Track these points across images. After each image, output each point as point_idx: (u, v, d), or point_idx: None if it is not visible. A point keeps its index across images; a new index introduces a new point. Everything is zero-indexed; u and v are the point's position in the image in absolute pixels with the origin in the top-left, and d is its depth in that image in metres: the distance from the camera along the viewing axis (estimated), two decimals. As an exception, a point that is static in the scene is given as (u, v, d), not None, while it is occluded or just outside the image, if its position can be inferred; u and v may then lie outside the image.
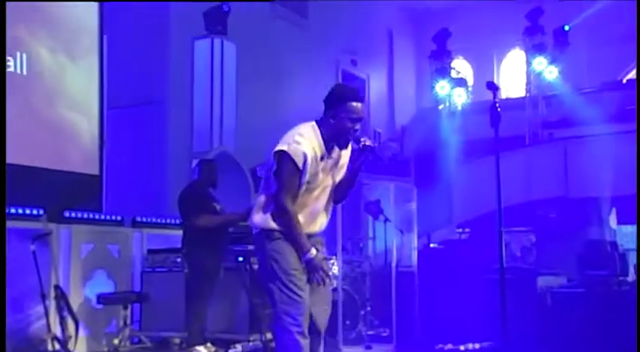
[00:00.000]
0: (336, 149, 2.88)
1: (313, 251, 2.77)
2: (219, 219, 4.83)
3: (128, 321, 5.28)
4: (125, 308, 5.32)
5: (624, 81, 11.90)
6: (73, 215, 5.62)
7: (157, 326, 5.56)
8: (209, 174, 4.99)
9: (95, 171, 6.20)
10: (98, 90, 6.32)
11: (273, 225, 2.82)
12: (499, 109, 2.70)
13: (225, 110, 7.73)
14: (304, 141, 2.76)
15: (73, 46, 6.07)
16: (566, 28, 10.76)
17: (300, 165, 2.73)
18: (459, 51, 12.84)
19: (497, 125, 2.73)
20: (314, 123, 2.86)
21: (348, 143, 2.86)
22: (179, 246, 5.07)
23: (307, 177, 2.77)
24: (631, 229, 11.09)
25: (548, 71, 10.65)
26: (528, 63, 11.09)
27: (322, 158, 2.81)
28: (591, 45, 12.13)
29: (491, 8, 12.33)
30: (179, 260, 5.36)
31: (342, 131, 2.80)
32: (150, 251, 5.88)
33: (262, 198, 2.89)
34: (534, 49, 10.71)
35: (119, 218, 6.09)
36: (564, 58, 10.84)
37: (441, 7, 12.82)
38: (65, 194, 5.70)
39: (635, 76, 12.29)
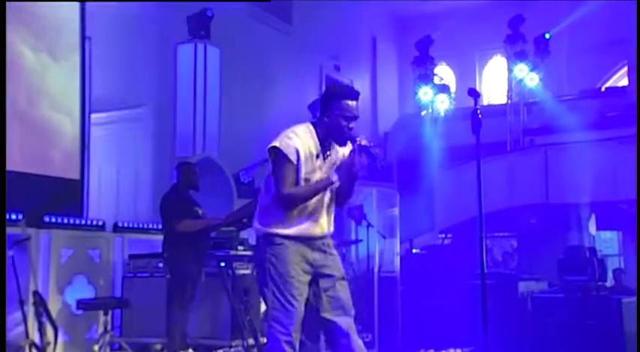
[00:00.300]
0: (336, 150, 2.85)
1: (331, 176, 2.76)
2: (201, 223, 4.80)
3: (108, 327, 5.21)
4: (105, 313, 5.24)
5: (603, 89, 12.08)
6: (53, 220, 5.56)
7: (137, 332, 5.50)
8: (188, 177, 4.96)
9: (76, 175, 6.14)
10: (80, 93, 6.26)
11: (274, 229, 2.79)
12: (480, 116, 2.72)
13: (209, 115, 7.72)
14: (296, 137, 2.76)
15: (56, 45, 6.02)
16: (547, 36, 10.91)
17: (292, 158, 2.72)
18: (442, 57, 12.95)
19: (479, 131, 2.75)
20: (309, 123, 2.85)
21: (345, 141, 2.81)
22: (161, 251, 5.04)
23: (303, 173, 2.75)
24: (610, 235, 11.26)
25: (529, 78, 10.78)
26: (510, 70, 11.21)
27: (318, 156, 2.79)
28: (571, 53, 12.32)
29: (474, 15, 12.47)
30: (161, 265, 5.32)
31: (337, 129, 2.77)
32: (131, 256, 5.83)
33: (263, 201, 2.85)
34: (515, 57, 10.84)
35: (100, 223, 6.03)
36: (545, 65, 10.98)
37: (423, 14, 12.93)
38: (45, 198, 5.64)
39: (613, 84, 12.49)
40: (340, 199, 2.93)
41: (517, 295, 6.33)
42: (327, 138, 2.80)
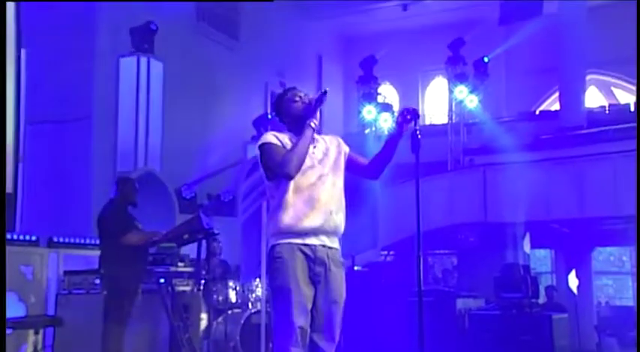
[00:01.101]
0: (322, 141, 2.88)
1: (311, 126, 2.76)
2: (145, 237, 4.72)
3: (39, 347, 5.02)
4: (36, 332, 5.05)
5: (537, 112, 12.59)
6: (-17, 234, 5.33)
7: (71, 351, 5.32)
8: (127, 192, 4.85)
9: (9, 188, 5.91)
10: (14, 102, 6.04)
11: (276, 236, 2.75)
12: (420, 136, 2.79)
13: (151, 129, 7.61)
14: (270, 133, 2.86)
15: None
16: (486, 59, 11.30)
17: (274, 141, 2.79)
18: (386, 77, 13.22)
19: (418, 151, 2.81)
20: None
21: (306, 114, 2.80)
22: (97, 266, 4.90)
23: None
24: (544, 253, 11.67)
25: (469, 100, 11.10)
26: (450, 91, 11.52)
27: None
28: (509, 77, 12.81)
29: (417, 37, 12.80)
30: (97, 281, 5.17)
31: (295, 113, 2.84)
32: (66, 272, 5.65)
33: (268, 211, 2.84)
34: (456, 78, 11.16)
35: (34, 238, 5.82)
36: (484, 87, 11.35)
37: (368, 34, 13.20)
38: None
39: (547, 108, 13.04)
40: (372, 172, 2.94)
41: (455, 312, 6.47)
42: (296, 128, 2.83)
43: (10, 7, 6.09)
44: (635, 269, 7.81)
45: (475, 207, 9.66)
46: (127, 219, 4.77)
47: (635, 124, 8.46)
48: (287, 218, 2.72)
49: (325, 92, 2.82)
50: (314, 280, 2.74)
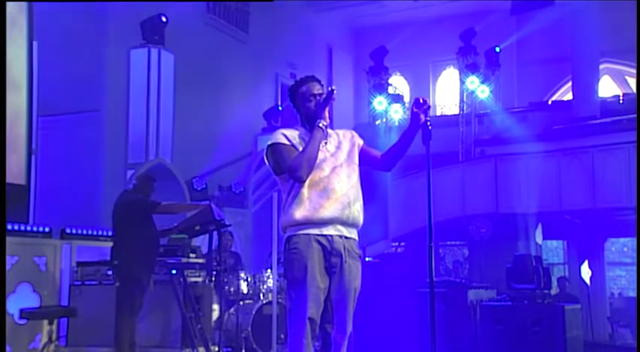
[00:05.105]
0: (334, 135, 2.88)
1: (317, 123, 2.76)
2: (182, 206, 4.84)
3: (53, 337, 5.08)
4: (50, 323, 5.11)
5: (550, 102, 12.48)
6: (-3, 226, 5.37)
7: (84, 342, 5.37)
8: (145, 189, 4.88)
9: (22, 180, 5.96)
10: (27, 95, 6.08)
11: (288, 231, 2.75)
12: (430, 127, 2.76)
13: (162, 121, 7.62)
14: (280, 131, 2.85)
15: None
16: (497, 49, 11.22)
17: (283, 141, 2.77)
18: (397, 68, 13.17)
19: (428, 143, 2.78)
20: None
21: (316, 117, 2.80)
22: (109, 258, 4.93)
23: (303, 147, 2.76)
24: (556, 244, 11.61)
25: (480, 90, 11.04)
26: (462, 81, 11.46)
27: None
28: (520, 67, 12.70)
29: (428, 27, 12.72)
30: (110, 272, 5.21)
31: (308, 110, 2.83)
32: (79, 263, 5.70)
33: (283, 205, 2.81)
34: (467, 69, 11.09)
35: (47, 229, 5.87)
36: (495, 78, 11.27)
37: (379, 25, 13.13)
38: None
39: (559, 98, 12.93)
40: (385, 164, 2.91)
41: (467, 303, 6.45)
42: (308, 123, 2.83)
43: (23, 2, 6.13)
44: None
45: (486, 198, 9.62)
46: (142, 209, 4.78)
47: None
48: (303, 211, 2.70)
49: (332, 90, 2.79)
50: (329, 271, 2.73)
